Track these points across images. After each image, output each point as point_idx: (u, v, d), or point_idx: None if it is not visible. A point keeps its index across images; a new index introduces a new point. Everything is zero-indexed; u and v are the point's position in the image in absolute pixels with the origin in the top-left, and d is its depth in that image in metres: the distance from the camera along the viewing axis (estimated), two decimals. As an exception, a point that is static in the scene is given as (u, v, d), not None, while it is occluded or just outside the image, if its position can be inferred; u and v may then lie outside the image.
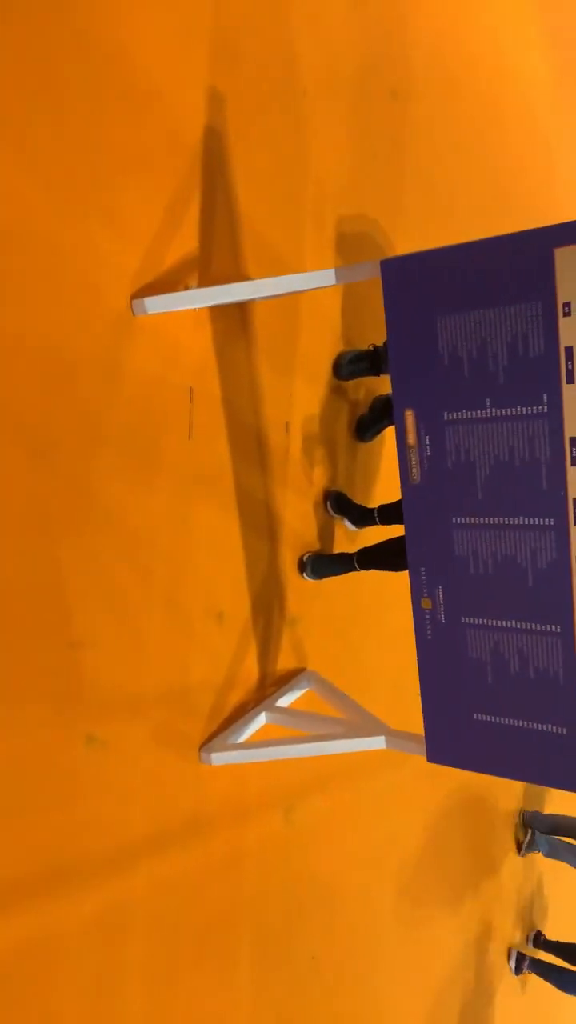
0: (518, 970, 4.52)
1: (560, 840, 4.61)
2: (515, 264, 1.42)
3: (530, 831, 4.61)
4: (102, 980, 1.65)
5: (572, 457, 1.45)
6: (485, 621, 1.62)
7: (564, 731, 1.58)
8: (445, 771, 3.38)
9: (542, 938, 4.69)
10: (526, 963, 4.53)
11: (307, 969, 2.37)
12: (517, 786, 4.51)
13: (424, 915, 3.19)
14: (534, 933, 4.70)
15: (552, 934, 5.09)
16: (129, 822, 1.73)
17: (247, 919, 2.10)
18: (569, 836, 4.59)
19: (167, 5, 1.85)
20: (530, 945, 4.67)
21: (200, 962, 1.92)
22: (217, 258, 2.02)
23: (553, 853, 4.57)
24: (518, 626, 1.59)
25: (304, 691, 2.33)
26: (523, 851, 4.66)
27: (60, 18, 1.58)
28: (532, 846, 4.59)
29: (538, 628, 1.56)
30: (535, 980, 4.69)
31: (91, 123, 1.65)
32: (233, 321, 2.09)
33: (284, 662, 2.32)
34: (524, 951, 4.67)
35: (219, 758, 1.92)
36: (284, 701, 2.21)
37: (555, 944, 4.58)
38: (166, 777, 1.84)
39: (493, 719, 1.67)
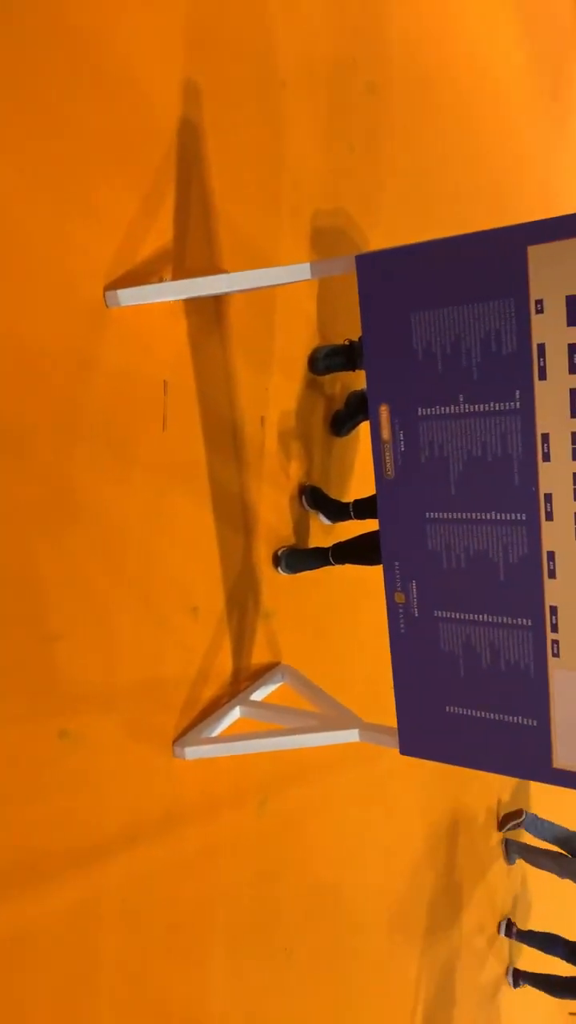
0: (515, 984, 4.71)
1: (538, 847, 4.74)
2: (489, 261, 1.43)
3: (504, 846, 4.77)
4: (74, 975, 1.65)
5: (543, 453, 1.46)
6: (457, 615, 1.64)
7: (535, 723, 1.60)
8: (420, 764, 3.41)
9: (514, 928, 4.78)
10: (522, 978, 4.70)
11: (281, 963, 2.38)
12: (492, 777, 4.57)
13: (400, 907, 3.22)
14: (505, 921, 4.79)
15: (535, 925, 5.19)
16: (102, 816, 1.73)
17: (221, 913, 2.10)
18: (554, 844, 4.71)
19: (142, -7, 1.83)
20: (502, 933, 4.76)
21: (173, 956, 1.92)
22: (192, 251, 2.01)
23: (532, 861, 4.70)
24: (489, 620, 1.60)
25: (278, 685, 2.33)
26: (510, 859, 4.82)
27: (34, 5, 1.55)
28: (511, 857, 4.76)
29: (509, 622, 1.58)
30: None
31: (65, 112, 1.63)
32: (208, 314, 2.08)
33: (258, 656, 2.32)
34: (519, 967, 4.83)
35: (193, 752, 1.92)
36: (258, 695, 2.22)
37: (528, 933, 4.66)
38: (140, 771, 1.83)
39: (465, 712, 1.69)
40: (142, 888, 1.83)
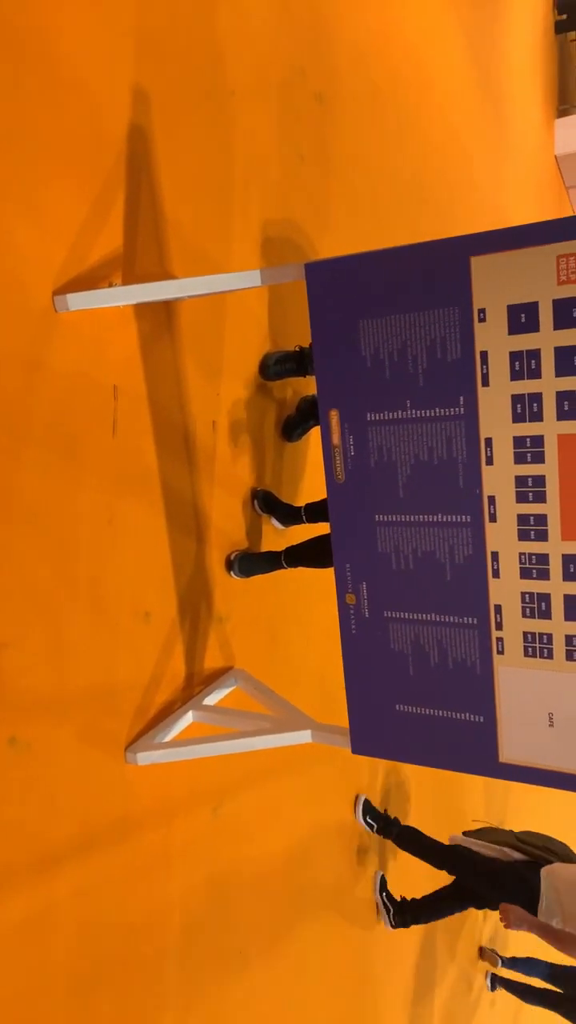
0: (492, 987, 4.85)
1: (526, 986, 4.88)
2: (434, 271, 1.47)
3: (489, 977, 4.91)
4: (27, 985, 1.63)
5: (487, 457, 1.51)
6: (406, 615, 1.68)
7: (481, 719, 1.65)
8: (374, 763, 3.46)
9: (499, 958, 4.99)
10: (499, 981, 4.86)
11: (237, 966, 2.38)
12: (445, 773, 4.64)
13: (356, 907, 3.25)
14: (489, 976, 5.02)
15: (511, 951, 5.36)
16: (54, 824, 1.71)
17: (175, 918, 2.10)
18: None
19: (93, 2, 1.83)
20: (488, 983, 4.96)
21: (127, 962, 1.91)
22: (142, 256, 2.01)
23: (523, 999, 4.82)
24: (437, 619, 1.65)
25: (231, 689, 2.34)
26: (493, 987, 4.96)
27: (-22, 5, 1.54)
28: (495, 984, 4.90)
29: (456, 620, 1.63)
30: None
31: (12, 115, 1.62)
32: (159, 319, 2.08)
33: (211, 661, 2.33)
34: (497, 972, 4.97)
35: (145, 757, 1.91)
36: (211, 699, 2.22)
37: (511, 959, 4.87)
38: (92, 778, 1.82)
39: (415, 709, 1.72)
40: (95, 896, 1.82)
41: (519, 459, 1.49)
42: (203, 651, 2.28)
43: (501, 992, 5.05)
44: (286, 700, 2.17)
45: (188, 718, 2.09)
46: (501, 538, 1.54)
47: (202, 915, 2.22)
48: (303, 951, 2.82)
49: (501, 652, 1.60)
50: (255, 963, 2.49)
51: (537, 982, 4.83)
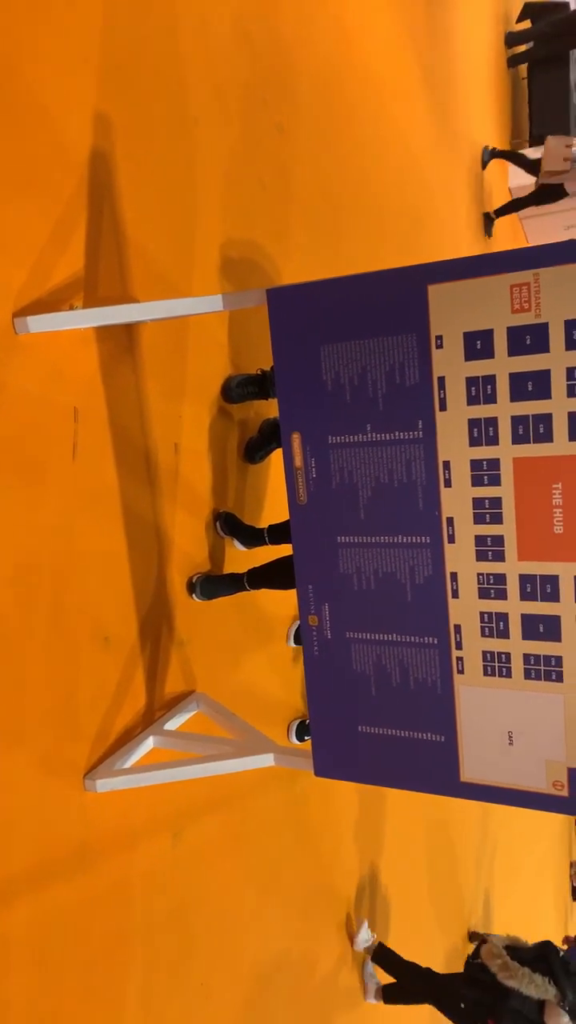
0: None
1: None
2: (392, 298, 1.51)
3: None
4: (-21, 1027, 1.57)
5: (445, 479, 1.54)
6: (368, 635, 1.69)
7: (442, 738, 1.67)
8: (338, 785, 3.44)
9: None
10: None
11: (197, 996, 2.33)
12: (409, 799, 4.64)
13: (316, 935, 3.22)
14: None
15: None
16: (9, 853, 1.66)
17: (135, 947, 2.05)
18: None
19: (56, 29, 1.85)
20: None
21: (87, 995, 1.86)
22: (104, 279, 2.02)
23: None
24: (398, 639, 1.66)
25: (193, 713, 2.32)
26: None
27: None
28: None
29: (417, 640, 1.64)
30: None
31: (-27, 137, 1.62)
32: (120, 342, 2.08)
33: (172, 685, 2.30)
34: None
35: (104, 784, 1.88)
36: (172, 724, 2.20)
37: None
38: (49, 806, 1.78)
39: (377, 730, 1.73)
40: (53, 926, 1.77)
41: (476, 481, 1.52)
42: (164, 675, 2.26)
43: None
44: (248, 723, 2.16)
45: (149, 743, 2.07)
46: (460, 559, 1.57)
47: (162, 944, 2.17)
48: (267, 981, 2.77)
49: (461, 672, 1.62)
50: (218, 995, 2.44)
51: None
